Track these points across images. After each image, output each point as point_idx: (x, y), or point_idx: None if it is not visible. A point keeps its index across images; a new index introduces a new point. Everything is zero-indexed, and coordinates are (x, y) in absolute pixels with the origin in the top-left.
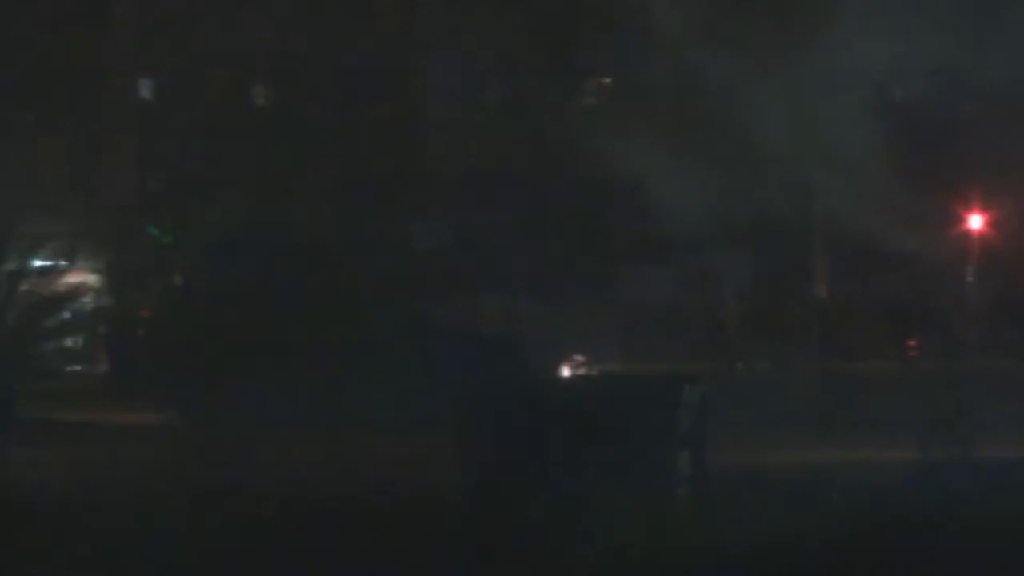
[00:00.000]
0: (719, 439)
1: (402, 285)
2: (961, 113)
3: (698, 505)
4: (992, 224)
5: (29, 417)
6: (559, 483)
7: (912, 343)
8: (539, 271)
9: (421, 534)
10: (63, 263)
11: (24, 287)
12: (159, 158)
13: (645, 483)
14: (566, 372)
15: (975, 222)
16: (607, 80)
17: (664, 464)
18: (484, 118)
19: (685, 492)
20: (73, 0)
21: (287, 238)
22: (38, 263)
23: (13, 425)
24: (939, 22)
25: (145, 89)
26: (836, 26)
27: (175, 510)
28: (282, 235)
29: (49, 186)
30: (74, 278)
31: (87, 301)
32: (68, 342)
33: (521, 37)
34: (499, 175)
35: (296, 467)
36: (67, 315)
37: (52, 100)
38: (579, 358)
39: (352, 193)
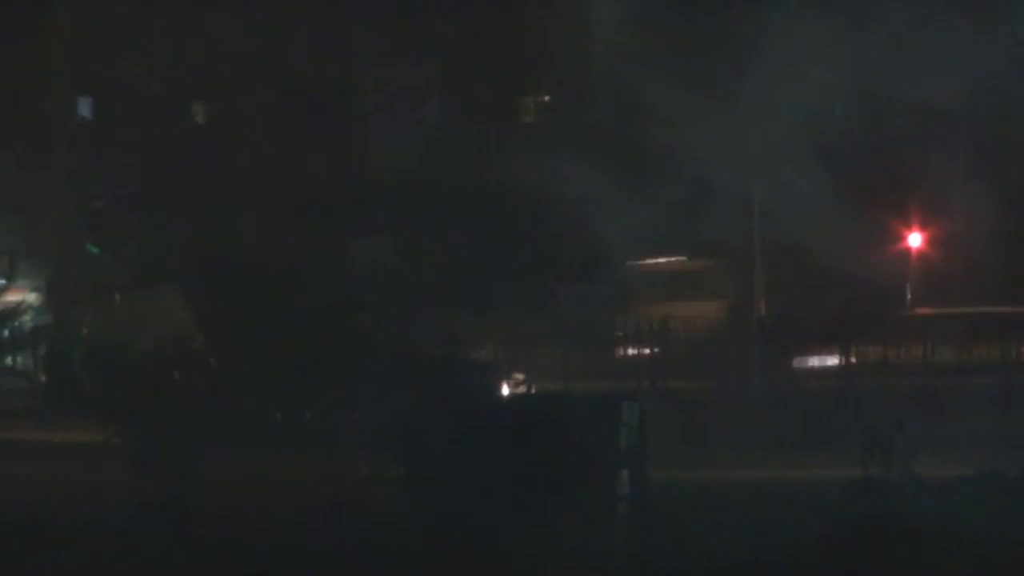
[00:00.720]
0: (656, 457)
1: (341, 302)
2: (893, 133)
3: (637, 522)
4: (930, 241)
5: None
6: (500, 501)
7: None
8: (478, 288)
9: (368, 553)
10: (2, 282)
11: None
12: (98, 175)
13: (586, 501)
14: (506, 390)
15: (914, 240)
16: (545, 98)
17: (605, 482)
18: (423, 136)
19: (624, 509)
20: (12, 16)
21: (228, 255)
22: None
23: None
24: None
25: (84, 107)
26: (770, 49)
27: (114, 529)
28: (222, 252)
29: None
30: (13, 297)
31: (26, 320)
32: (8, 360)
33: (460, 57)
34: (437, 194)
35: (239, 487)
36: (6, 334)
37: None
38: (518, 376)
39: (291, 210)
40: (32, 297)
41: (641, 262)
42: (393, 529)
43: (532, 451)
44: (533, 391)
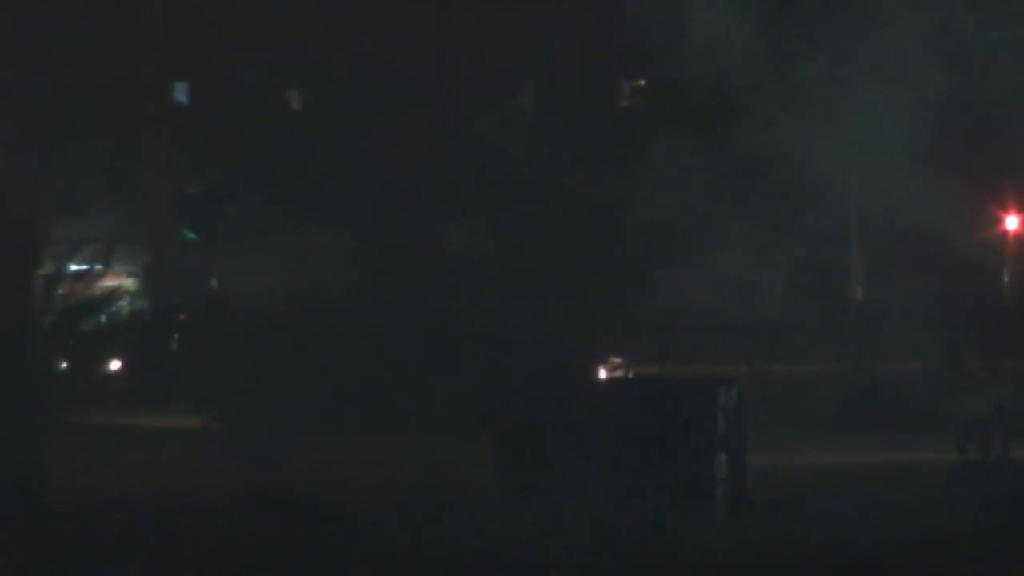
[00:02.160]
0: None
1: (437, 289)
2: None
3: (736, 507)
4: None
5: (67, 421)
6: (596, 485)
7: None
8: (575, 273)
9: (456, 537)
10: (99, 267)
11: (61, 291)
12: (194, 161)
13: (684, 486)
14: (603, 374)
15: (1011, 223)
16: (641, 83)
17: (703, 465)
18: (516, 124)
19: (723, 492)
20: (108, 6)
21: (321, 242)
22: (74, 267)
23: (51, 429)
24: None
25: (180, 92)
26: (869, 34)
27: (214, 513)
28: (316, 239)
29: (85, 190)
30: (111, 282)
31: (124, 305)
32: (105, 345)
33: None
34: (534, 180)
35: (336, 472)
36: (104, 319)
37: (87, 105)
38: (616, 360)
39: (384, 198)
40: (129, 282)
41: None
42: (486, 511)
43: (629, 434)
44: (630, 375)
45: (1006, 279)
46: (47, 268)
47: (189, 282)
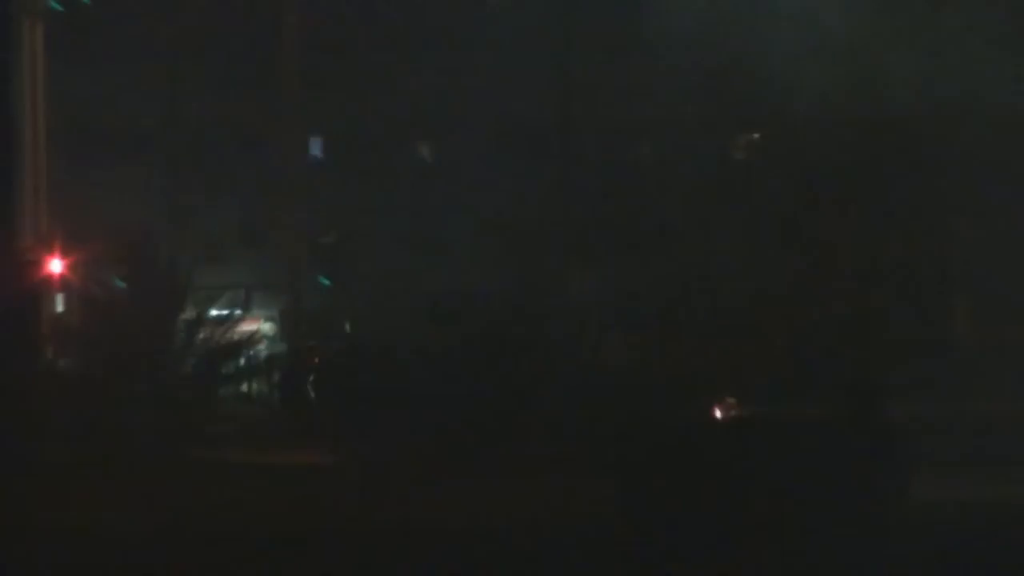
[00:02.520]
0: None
1: (564, 329)
2: None
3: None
4: None
5: (208, 458)
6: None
7: None
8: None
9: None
10: (239, 312)
11: (202, 335)
12: (328, 212)
13: (825, 523)
14: (718, 413)
15: None
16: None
17: (843, 502)
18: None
19: (873, 530)
20: (245, 66)
21: (450, 286)
22: (215, 312)
23: (191, 467)
24: None
25: (315, 147)
26: None
27: (340, 549)
28: (444, 284)
29: (225, 241)
30: (249, 326)
31: (262, 348)
32: (243, 387)
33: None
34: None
35: (456, 507)
36: (242, 362)
37: (225, 162)
38: (730, 400)
39: (513, 243)
40: (266, 327)
41: None
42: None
43: (755, 476)
44: (745, 414)
45: None
46: (189, 314)
47: (324, 326)
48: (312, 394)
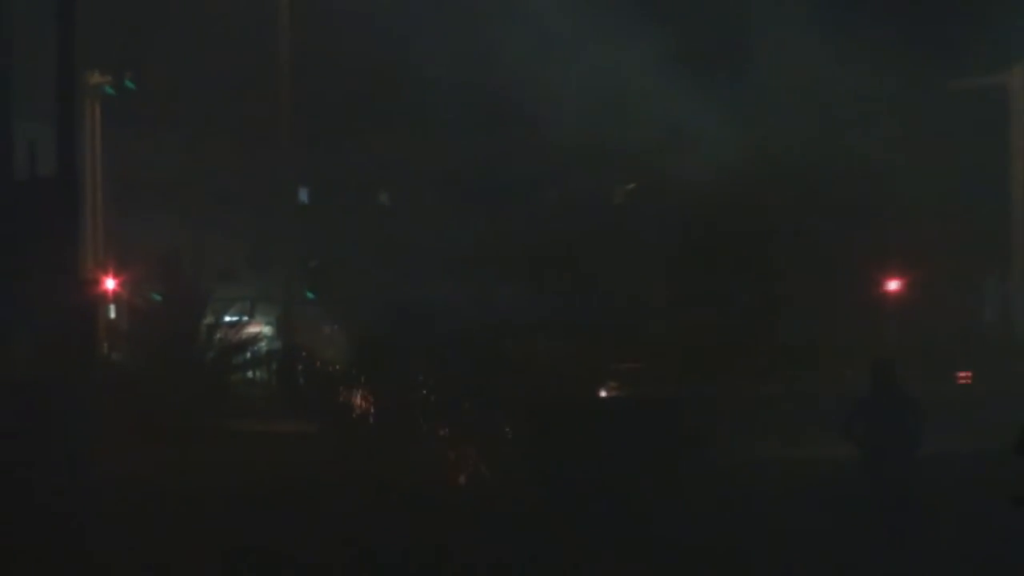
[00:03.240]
0: None
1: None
2: None
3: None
4: None
5: (222, 428)
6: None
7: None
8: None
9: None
10: (246, 318)
11: (219, 335)
12: (313, 244)
13: None
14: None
15: None
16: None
17: None
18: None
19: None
20: (252, 122)
21: (411, 297)
22: (228, 318)
23: (211, 433)
24: None
25: (303, 194)
26: None
27: (347, 495)
28: (406, 296)
29: (237, 263)
30: (254, 329)
31: (263, 345)
32: (250, 374)
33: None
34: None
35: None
36: (249, 355)
37: (239, 203)
38: (612, 384)
39: (458, 265)
40: (267, 329)
41: None
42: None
43: (610, 441)
44: (611, 396)
45: None
46: (209, 319)
47: (309, 329)
48: (301, 380)
